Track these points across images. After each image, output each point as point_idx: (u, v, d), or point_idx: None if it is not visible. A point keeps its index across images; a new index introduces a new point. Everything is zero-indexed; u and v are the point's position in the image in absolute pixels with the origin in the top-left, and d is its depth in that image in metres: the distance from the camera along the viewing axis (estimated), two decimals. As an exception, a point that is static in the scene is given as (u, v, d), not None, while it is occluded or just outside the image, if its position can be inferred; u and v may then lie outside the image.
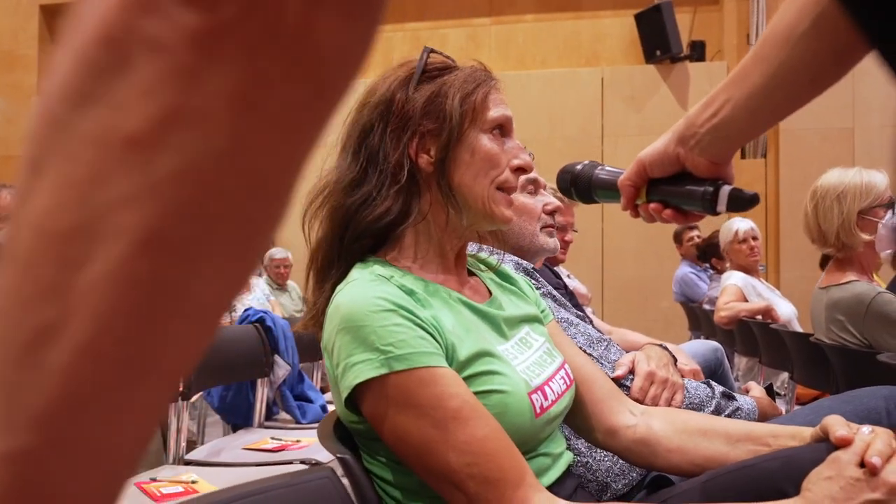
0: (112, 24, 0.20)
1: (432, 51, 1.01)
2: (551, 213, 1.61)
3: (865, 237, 2.16)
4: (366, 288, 0.90)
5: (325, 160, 1.00)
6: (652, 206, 0.83)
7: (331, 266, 0.98)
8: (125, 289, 0.21)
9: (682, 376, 1.55)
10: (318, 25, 0.21)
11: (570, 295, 1.85)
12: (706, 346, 2.35)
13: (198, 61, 0.20)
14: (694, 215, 0.83)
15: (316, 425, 1.08)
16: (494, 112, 1.01)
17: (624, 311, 5.91)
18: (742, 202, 0.78)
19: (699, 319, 4.35)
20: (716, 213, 0.80)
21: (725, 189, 0.78)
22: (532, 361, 0.99)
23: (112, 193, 0.20)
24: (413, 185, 0.97)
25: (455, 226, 1.00)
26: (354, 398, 0.87)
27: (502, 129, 1.02)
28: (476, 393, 0.87)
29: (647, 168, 0.82)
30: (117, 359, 0.21)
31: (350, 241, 0.97)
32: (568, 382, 1.03)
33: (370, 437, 0.91)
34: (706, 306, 4.28)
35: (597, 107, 6.46)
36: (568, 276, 3.57)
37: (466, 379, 0.89)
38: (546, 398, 0.95)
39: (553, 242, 1.63)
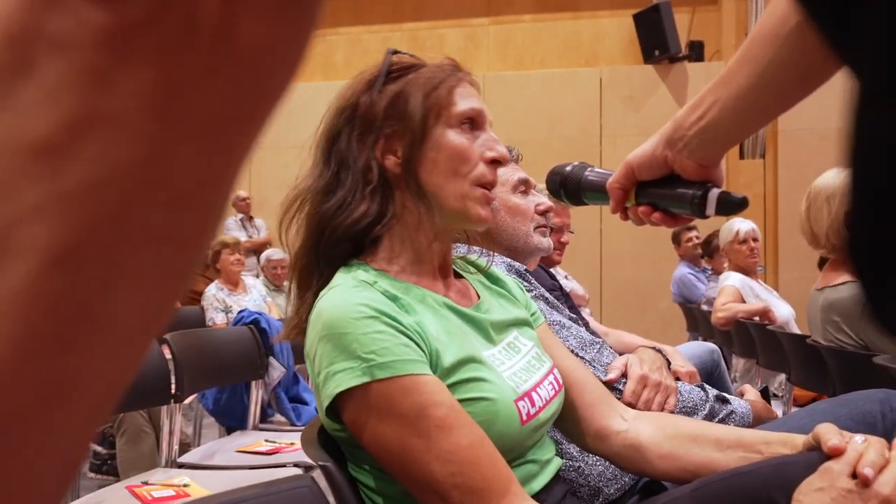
0: (13, 22, 0.19)
1: (396, 52, 1.00)
2: (544, 213, 1.59)
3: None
4: (348, 294, 0.88)
5: (300, 168, 1.00)
6: (641, 209, 0.82)
7: (311, 274, 0.97)
8: (37, 308, 0.19)
9: (678, 378, 1.53)
10: (238, 26, 0.20)
11: (565, 296, 1.84)
12: (703, 347, 2.35)
13: (108, 62, 0.19)
14: (683, 218, 0.82)
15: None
16: (461, 106, 0.97)
17: (622, 313, 5.89)
18: (731, 205, 0.77)
19: (697, 320, 4.34)
20: (705, 217, 0.78)
21: (714, 192, 0.77)
22: (520, 367, 0.97)
23: (19, 205, 0.19)
24: (385, 188, 0.96)
25: (430, 226, 0.98)
26: (336, 407, 0.86)
27: (472, 122, 0.99)
28: (461, 400, 0.86)
29: (635, 171, 0.81)
30: (33, 383, 0.20)
31: (327, 247, 0.96)
32: (557, 388, 1.02)
33: (354, 444, 0.90)
34: (704, 307, 4.27)
35: (595, 107, 6.45)
36: (566, 276, 3.56)
37: (451, 386, 0.87)
38: (533, 404, 0.94)
39: (547, 242, 1.62)
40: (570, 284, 3.42)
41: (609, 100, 6.44)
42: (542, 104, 6.40)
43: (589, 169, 0.92)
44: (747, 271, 3.46)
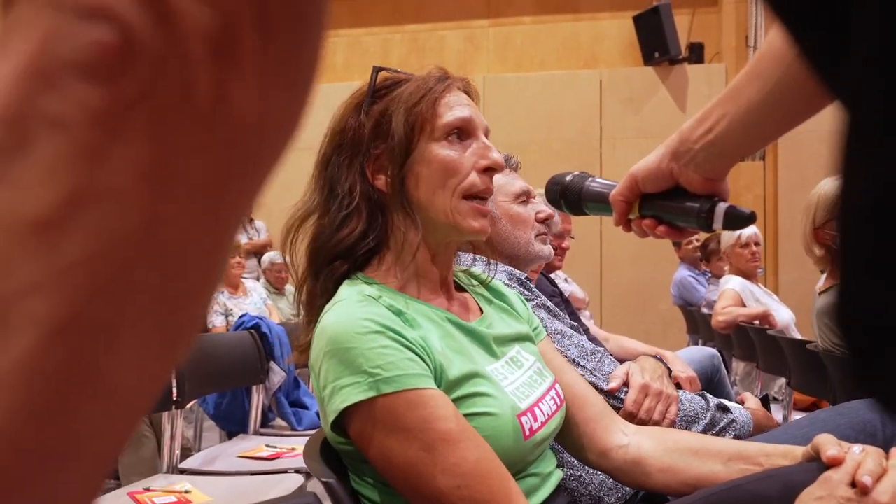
0: (9, 102, 0.19)
1: (381, 69, 1.00)
2: (544, 221, 1.60)
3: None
4: (353, 309, 0.89)
5: (299, 170, 1.01)
6: (645, 221, 0.82)
7: (315, 294, 0.98)
8: (38, 379, 0.20)
9: (679, 385, 1.54)
10: (232, 95, 0.20)
11: (566, 302, 1.84)
12: (703, 353, 2.35)
13: (103, 138, 0.19)
14: (689, 231, 0.82)
15: (312, 432, 1.07)
16: (447, 117, 0.96)
17: (622, 315, 5.89)
18: (739, 220, 0.76)
19: (697, 323, 4.35)
20: (711, 231, 0.78)
21: (722, 206, 0.76)
22: (522, 382, 0.97)
23: (19, 281, 0.19)
24: (377, 207, 0.96)
25: (429, 242, 0.98)
26: (342, 421, 0.86)
27: (461, 132, 0.98)
28: (464, 415, 0.86)
29: (639, 183, 0.80)
30: (35, 450, 0.20)
31: (323, 266, 0.97)
32: (558, 403, 1.02)
33: (358, 458, 0.90)
34: (704, 310, 4.27)
35: (595, 109, 6.44)
36: (565, 279, 3.56)
37: (455, 401, 0.87)
38: (535, 420, 0.94)
39: (547, 250, 1.63)
40: (569, 287, 3.43)
41: (609, 102, 6.44)
42: (541, 106, 6.39)
43: (590, 179, 0.91)
44: (748, 275, 3.46)
